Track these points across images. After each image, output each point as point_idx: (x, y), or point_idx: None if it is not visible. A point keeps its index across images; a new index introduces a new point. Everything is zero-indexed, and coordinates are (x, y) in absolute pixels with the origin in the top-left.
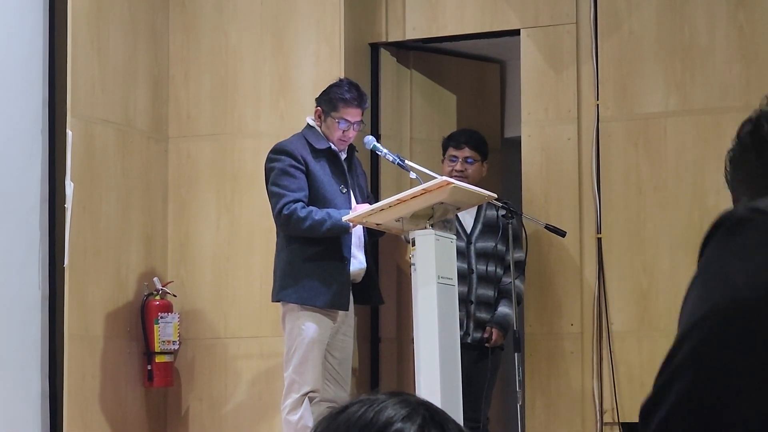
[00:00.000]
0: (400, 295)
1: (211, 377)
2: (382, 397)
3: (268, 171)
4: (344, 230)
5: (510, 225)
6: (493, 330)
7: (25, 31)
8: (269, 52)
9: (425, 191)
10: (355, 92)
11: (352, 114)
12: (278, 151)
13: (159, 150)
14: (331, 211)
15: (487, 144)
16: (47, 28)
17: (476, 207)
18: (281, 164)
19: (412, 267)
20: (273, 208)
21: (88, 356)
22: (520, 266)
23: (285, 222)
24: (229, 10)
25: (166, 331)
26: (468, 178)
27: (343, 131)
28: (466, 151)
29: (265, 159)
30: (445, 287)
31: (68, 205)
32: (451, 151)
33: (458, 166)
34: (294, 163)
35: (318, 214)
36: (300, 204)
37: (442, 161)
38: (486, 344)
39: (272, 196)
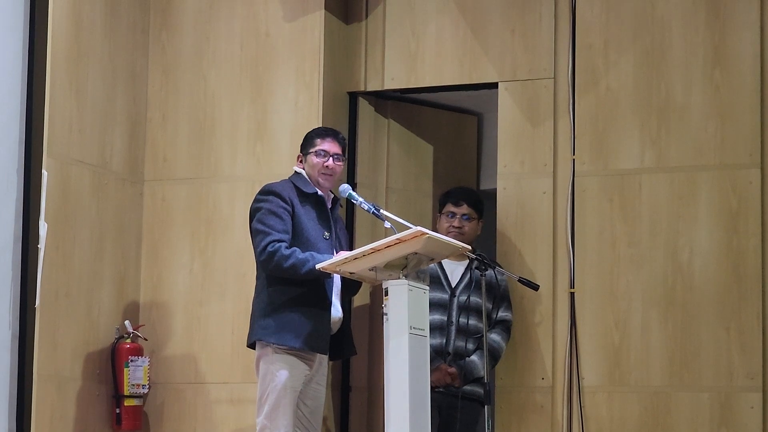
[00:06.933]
0: (372, 345)
1: (181, 422)
2: None
3: (255, 210)
4: (324, 275)
5: (483, 277)
6: (450, 369)
7: (3, 71)
8: (247, 97)
9: (399, 241)
10: (327, 128)
11: (329, 144)
12: (267, 192)
13: (134, 192)
14: (314, 253)
15: (483, 203)
16: (26, 68)
17: (467, 261)
18: (269, 205)
19: (384, 317)
20: (257, 246)
21: (57, 398)
22: (506, 326)
23: (268, 259)
24: (209, 55)
25: (135, 374)
26: (464, 235)
27: (324, 163)
28: (464, 209)
29: (238, 203)
30: (417, 338)
31: (41, 245)
32: (450, 207)
33: (456, 223)
34: (282, 204)
35: (301, 254)
36: (284, 244)
37: (439, 216)
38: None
39: (257, 233)
